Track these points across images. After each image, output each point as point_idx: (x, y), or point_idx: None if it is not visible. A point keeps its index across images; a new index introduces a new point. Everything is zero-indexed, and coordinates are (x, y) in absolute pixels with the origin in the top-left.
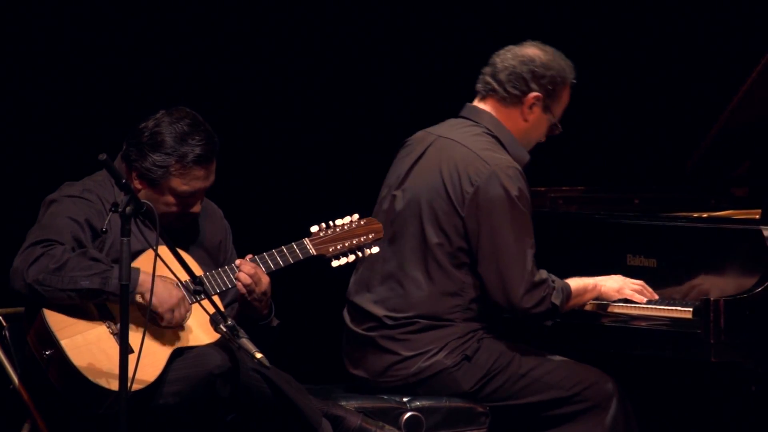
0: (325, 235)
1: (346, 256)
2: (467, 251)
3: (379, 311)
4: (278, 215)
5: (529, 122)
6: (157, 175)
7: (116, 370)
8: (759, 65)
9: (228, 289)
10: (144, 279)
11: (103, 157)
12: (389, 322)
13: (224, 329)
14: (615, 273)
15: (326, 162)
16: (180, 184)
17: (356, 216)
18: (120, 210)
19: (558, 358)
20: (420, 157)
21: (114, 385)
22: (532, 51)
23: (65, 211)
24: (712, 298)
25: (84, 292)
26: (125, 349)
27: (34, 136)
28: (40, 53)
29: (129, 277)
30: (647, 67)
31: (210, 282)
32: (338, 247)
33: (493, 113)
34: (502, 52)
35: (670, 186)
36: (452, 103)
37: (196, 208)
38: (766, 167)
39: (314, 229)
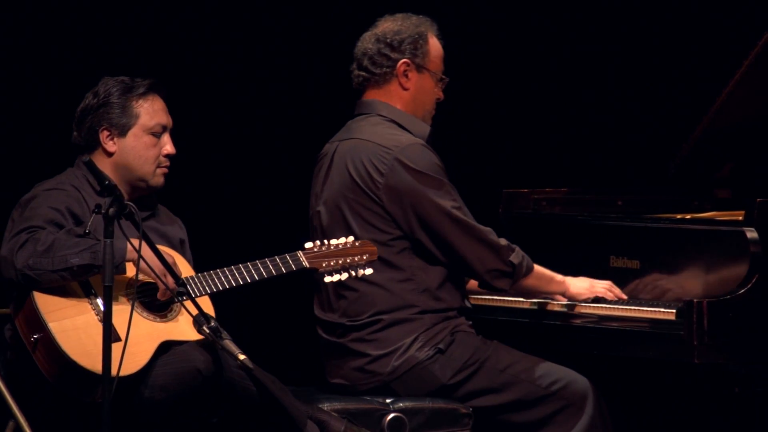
0: (318, 251)
1: (339, 273)
2: (402, 237)
3: (343, 320)
4: (272, 232)
5: (411, 88)
6: (125, 117)
7: (101, 357)
8: (742, 67)
9: (218, 291)
10: (132, 248)
11: (86, 158)
12: (354, 324)
13: (207, 330)
14: (598, 274)
15: None
16: (149, 118)
17: (351, 238)
18: (103, 212)
19: (533, 357)
20: (329, 168)
21: (99, 369)
22: (381, 27)
23: (45, 202)
24: (695, 300)
25: (76, 269)
26: (108, 342)
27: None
28: (8, 54)
29: (112, 278)
30: (631, 69)
31: (201, 283)
32: (331, 263)
33: (378, 98)
34: (358, 42)
35: (653, 187)
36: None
37: (171, 147)
38: (749, 169)
39: (308, 245)
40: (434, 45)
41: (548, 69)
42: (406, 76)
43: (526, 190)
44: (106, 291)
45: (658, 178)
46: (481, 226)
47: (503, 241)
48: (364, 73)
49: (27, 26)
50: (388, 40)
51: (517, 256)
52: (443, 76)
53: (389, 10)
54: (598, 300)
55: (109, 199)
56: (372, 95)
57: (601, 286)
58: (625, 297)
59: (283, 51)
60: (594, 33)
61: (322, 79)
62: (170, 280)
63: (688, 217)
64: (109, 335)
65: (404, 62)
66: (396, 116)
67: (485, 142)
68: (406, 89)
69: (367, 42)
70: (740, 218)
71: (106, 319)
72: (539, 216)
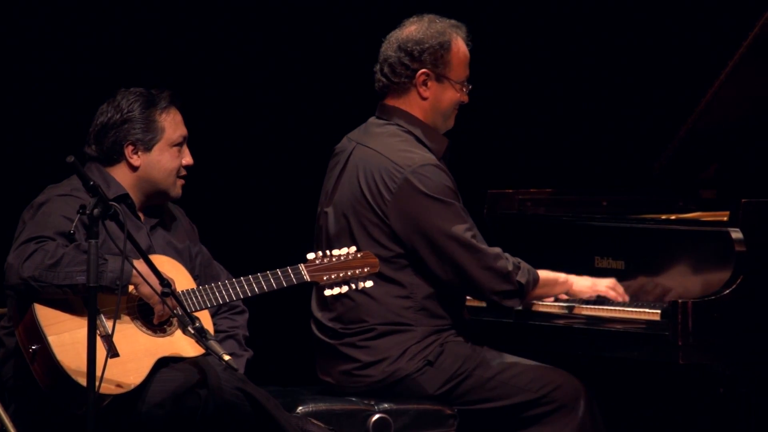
0: (320, 263)
1: (340, 286)
2: (404, 255)
3: (336, 326)
4: (277, 240)
5: (430, 97)
6: (151, 132)
7: (99, 372)
8: (727, 68)
9: (218, 305)
10: (136, 272)
11: (71, 159)
12: (346, 332)
13: (192, 331)
14: (583, 275)
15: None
16: (172, 132)
17: (354, 248)
18: (88, 212)
19: (524, 360)
20: (343, 169)
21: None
22: (406, 32)
23: (58, 210)
24: (680, 300)
25: (80, 287)
26: (93, 349)
27: (11, 139)
28: (14, 55)
29: (97, 279)
30: (615, 70)
31: (202, 296)
32: (333, 276)
33: (397, 106)
34: (384, 42)
35: (638, 188)
36: None
37: (190, 158)
38: (734, 169)
39: (311, 256)
40: (457, 52)
41: (533, 69)
42: (426, 85)
43: (510, 191)
44: (91, 292)
45: (643, 178)
46: (489, 250)
47: (510, 261)
48: (384, 79)
49: (34, 28)
50: (409, 49)
51: (523, 274)
52: (466, 83)
53: (388, 8)
54: (583, 301)
55: (94, 200)
56: (392, 101)
57: (605, 285)
58: (626, 297)
59: (287, 58)
60: (578, 34)
61: (323, 87)
62: (171, 302)
63: (673, 217)
64: (94, 340)
65: (423, 72)
66: (414, 128)
67: (470, 142)
68: (424, 98)
69: (389, 47)
70: (725, 219)
71: (91, 323)
72: (524, 217)
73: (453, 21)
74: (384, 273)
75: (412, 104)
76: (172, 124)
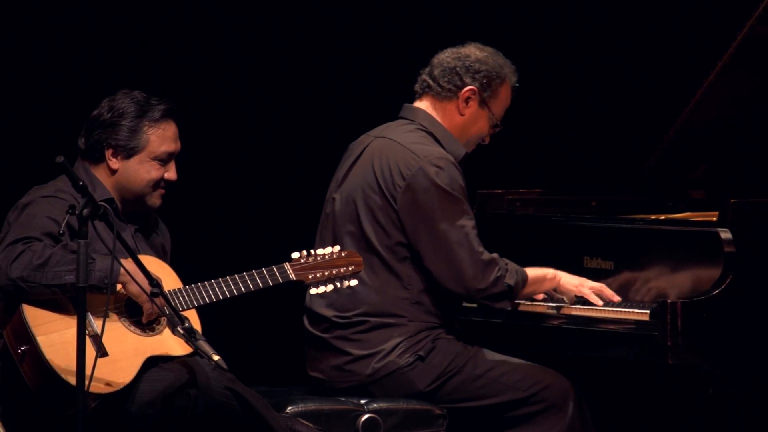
0: (306, 262)
1: (325, 285)
2: (407, 245)
3: (329, 313)
4: (259, 240)
5: (466, 116)
6: (134, 141)
7: (88, 371)
8: (716, 68)
9: (205, 304)
10: (125, 271)
11: (60, 159)
12: (340, 321)
13: (181, 331)
14: (572, 275)
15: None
16: (157, 146)
17: (337, 247)
18: (77, 212)
19: (514, 359)
20: (357, 159)
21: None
22: (469, 49)
23: (43, 211)
24: (669, 301)
25: (69, 287)
26: (82, 348)
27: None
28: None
29: (86, 279)
30: (605, 70)
31: (187, 296)
32: (318, 275)
33: (429, 110)
34: (440, 52)
35: (628, 188)
36: None
37: (174, 174)
38: (723, 170)
39: (295, 255)
40: (506, 92)
41: (523, 70)
42: (467, 102)
43: (500, 191)
44: (80, 292)
45: (632, 178)
46: (486, 254)
47: (501, 266)
48: (430, 80)
49: (30, 24)
50: (468, 64)
51: (512, 276)
52: (498, 123)
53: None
54: (572, 301)
55: (84, 200)
56: (427, 104)
57: (590, 286)
58: (617, 299)
59: (281, 57)
60: (567, 34)
61: (324, 89)
62: (160, 301)
63: (662, 217)
64: (83, 340)
65: (471, 89)
66: (436, 131)
67: None
68: (461, 115)
69: (448, 55)
70: (714, 219)
71: (80, 323)
72: (513, 217)
73: (511, 63)
74: (384, 258)
75: (445, 114)
76: (159, 138)
